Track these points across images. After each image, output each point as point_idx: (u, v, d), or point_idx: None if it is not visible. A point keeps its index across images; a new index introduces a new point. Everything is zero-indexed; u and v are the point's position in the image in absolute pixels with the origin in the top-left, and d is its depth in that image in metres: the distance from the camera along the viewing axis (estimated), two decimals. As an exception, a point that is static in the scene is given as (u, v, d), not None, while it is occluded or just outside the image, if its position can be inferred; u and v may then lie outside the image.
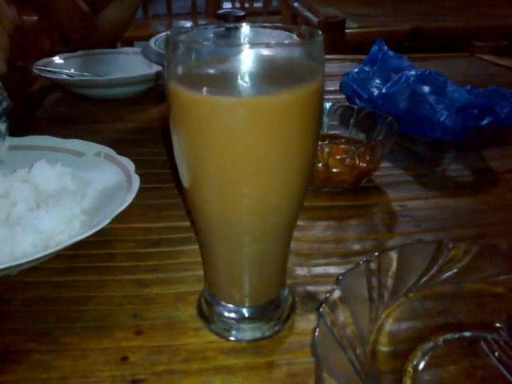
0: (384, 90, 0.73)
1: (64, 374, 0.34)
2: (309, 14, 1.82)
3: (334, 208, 0.54)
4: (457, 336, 0.35)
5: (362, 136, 0.62)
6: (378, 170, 0.58)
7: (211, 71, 0.31)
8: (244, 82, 0.29)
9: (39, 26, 1.89)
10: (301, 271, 0.44)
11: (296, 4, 2.03)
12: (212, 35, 0.38)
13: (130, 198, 0.46)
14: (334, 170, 0.54)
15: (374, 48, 0.85)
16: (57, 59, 0.96)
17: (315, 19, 1.70)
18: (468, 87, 0.70)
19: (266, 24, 0.35)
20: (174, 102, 0.31)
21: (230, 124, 0.30)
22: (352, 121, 0.63)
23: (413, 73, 0.73)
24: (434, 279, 0.37)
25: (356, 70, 0.81)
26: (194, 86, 0.30)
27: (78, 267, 0.45)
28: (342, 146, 0.54)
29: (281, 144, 0.30)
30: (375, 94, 0.74)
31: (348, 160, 0.54)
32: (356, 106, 0.65)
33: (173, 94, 0.31)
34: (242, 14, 0.77)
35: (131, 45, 2.21)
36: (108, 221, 0.43)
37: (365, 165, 0.54)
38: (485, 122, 0.68)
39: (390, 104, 0.71)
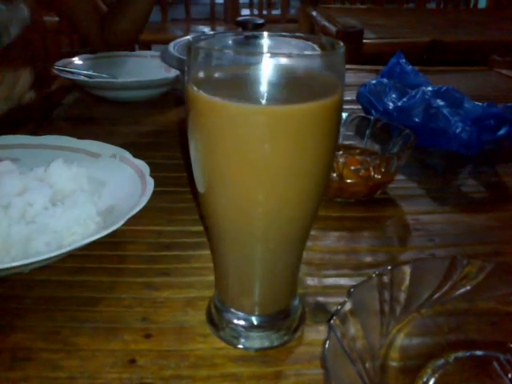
0: (399, 104, 0.73)
1: (72, 374, 0.34)
2: (327, 24, 1.82)
3: (347, 219, 0.54)
4: (468, 354, 0.34)
5: (377, 147, 0.62)
6: (392, 182, 0.57)
7: (231, 78, 0.31)
8: (263, 91, 0.29)
9: (60, 27, 1.91)
10: (311, 281, 0.44)
11: (314, 13, 2.03)
12: (232, 42, 0.38)
13: (143, 201, 0.46)
14: (348, 181, 0.54)
15: (393, 60, 0.85)
16: (76, 60, 0.97)
17: (333, 28, 1.70)
18: (485, 104, 0.70)
19: (285, 33, 0.36)
20: (192, 107, 0.31)
21: (248, 132, 0.30)
22: (368, 132, 0.63)
23: (429, 89, 0.73)
24: (447, 296, 0.37)
25: (374, 81, 0.81)
26: (213, 92, 0.31)
27: (89, 267, 0.45)
28: (358, 157, 0.54)
29: (297, 154, 0.30)
30: (390, 107, 0.74)
31: (363, 171, 0.53)
32: (372, 117, 0.64)
33: (192, 99, 0.31)
34: (261, 21, 0.77)
35: (149, 48, 2.24)
36: (121, 223, 0.43)
37: (379, 176, 0.54)
38: (501, 133, 0.67)
39: (406, 117, 0.71)
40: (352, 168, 0.53)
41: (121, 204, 0.49)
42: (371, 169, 0.53)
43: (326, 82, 0.31)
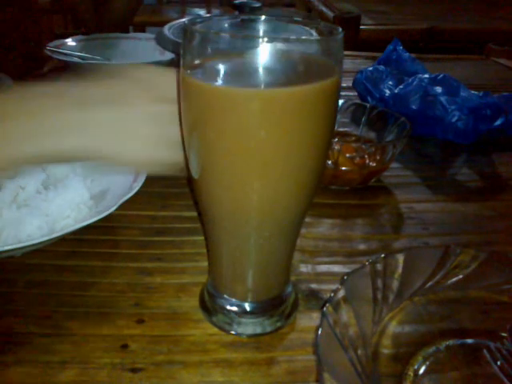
0: (396, 91, 0.73)
1: (64, 358, 0.34)
2: (324, 8, 1.80)
3: (341, 206, 0.54)
4: (459, 342, 0.35)
5: (372, 135, 0.62)
6: (387, 170, 0.57)
7: (227, 62, 0.31)
8: (260, 75, 0.29)
9: (53, 7, 1.88)
10: (305, 268, 0.44)
11: (311, -3, 2.01)
12: (228, 26, 0.38)
13: (136, 186, 0.46)
14: (343, 168, 0.54)
15: (389, 47, 0.85)
16: (69, 41, 0.96)
17: (330, 14, 1.69)
18: (481, 93, 0.69)
19: (282, 17, 0.35)
20: (187, 91, 0.31)
21: (243, 116, 0.29)
22: (364, 119, 0.63)
23: (426, 76, 0.73)
24: (440, 284, 0.37)
25: (370, 68, 0.80)
26: (208, 76, 0.30)
27: (82, 252, 0.45)
28: (353, 145, 0.54)
29: (293, 140, 0.30)
30: (387, 94, 0.74)
31: (358, 159, 0.53)
32: (368, 105, 0.64)
33: (186, 83, 0.31)
34: (257, 4, 0.76)
35: (143, 30, 2.20)
36: (114, 207, 0.43)
37: (375, 164, 0.54)
38: (498, 123, 0.67)
39: (402, 104, 0.71)
40: (347, 155, 0.53)
41: (113, 188, 0.49)
42: (366, 156, 0.53)
43: (323, 66, 0.30)
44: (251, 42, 0.28)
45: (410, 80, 0.73)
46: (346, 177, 0.55)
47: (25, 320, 0.37)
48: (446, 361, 0.34)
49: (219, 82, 0.30)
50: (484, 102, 0.67)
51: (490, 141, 0.70)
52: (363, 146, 0.53)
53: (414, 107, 0.70)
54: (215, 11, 2.58)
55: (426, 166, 0.65)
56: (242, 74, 0.30)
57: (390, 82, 0.77)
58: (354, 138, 0.62)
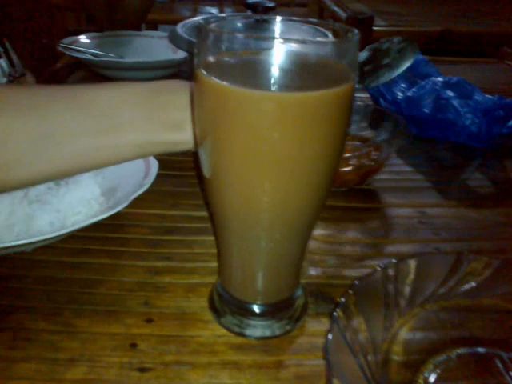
0: (409, 94, 0.72)
1: (72, 356, 0.34)
2: (336, 9, 1.79)
3: (351, 209, 0.54)
4: (471, 351, 0.34)
5: (367, 133, 0.60)
6: (382, 169, 0.56)
7: (242, 63, 0.31)
8: (275, 77, 0.28)
9: (66, 4, 1.89)
10: (314, 271, 0.43)
11: (324, -3, 2.00)
12: (243, 26, 0.37)
13: (147, 183, 0.46)
14: (341, 169, 0.53)
15: (403, 49, 0.84)
16: (83, 38, 0.96)
17: (343, 14, 1.68)
18: (496, 97, 0.69)
19: (296, 18, 0.35)
20: (200, 90, 0.31)
21: (256, 118, 0.29)
22: (358, 117, 0.62)
23: (440, 79, 0.72)
24: (452, 291, 0.36)
25: (383, 69, 0.80)
26: (223, 76, 0.30)
27: (92, 249, 0.45)
28: (349, 144, 0.53)
29: (306, 143, 0.30)
30: (399, 96, 0.73)
31: (355, 160, 0.52)
32: (362, 103, 0.63)
33: (200, 82, 0.30)
34: (271, 4, 0.76)
35: (155, 28, 2.21)
36: (125, 204, 0.43)
37: (372, 163, 0.53)
38: (511, 124, 0.66)
39: (414, 107, 0.70)
40: (345, 156, 0.52)
41: (124, 185, 0.49)
42: (364, 156, 0.52)
43: (338, 69, 0.30)
44: (267, 42, 0.28)
45: (424, 83, 0.73)
46: (344, 178, 0.54)
47: (34, 316, 0.37)
48: (456, 369, 0.33)
49: (234, 82, 0.30)
50: (497, 103, 0.66)
51: (503, 145, 0.69)
52: (359, 146, 0.52)
53: (426, 110, 0.69)
54: (227, 10, 2.58)
55: (438, 170, 0.64)
56: (257, 75, 0.30)
57: (403, 85, 0.76)
58: (348, 137, 0.61)
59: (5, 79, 0.66)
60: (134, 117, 0.39)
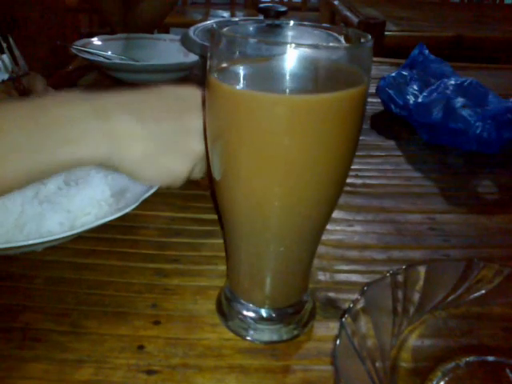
0: (420, 99, 0.71)
1: (80, 357, 0.34)
2: (348, 13, 1.79)
3: (361, 214, 0.53)
4: (480, 359, 0.34)
5: None
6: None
7: (254, 67, 0.31)
8: (287, 81, 0.28)
9: (79, 6, 1.91)
10: (323, 276, 0.43)
11: (336, 2, 2.00)
12: (255, 31, 0.38)
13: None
14: None
15: (415, 51, 0.84)
16: (95, 40, 0.97)
17: (355, 19, 1.68)
18: (510, 100, 0.68)
19: (308, 23, 0.35)
20: (212, 94, 0.31)
21: (268, 121, 0.29)
22: None
23: (452, 82, 0.71)
24: (461, 298, 0.36)
25: (393, 74, 0.79)
26: (235, 80, 0.30)
27: (100, 250, 0.45)
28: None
29: (317, 147, 0.30)
30: (411, 101, 0.73)
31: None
32: None
33: (213, 86, 0.31)
34: (283, 9, 0.76)
35: (167, 31, 2.22)
36: (135, 205, 0.43)
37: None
38: None
39: (425, 114, 0.69)
40: None
41: (134, 187, 0.49)
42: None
43: (351, 74, 0.30)
44: (279, 47, 0.28)
45: (435, 86, 0.72)
46: None
47: (43, 316, 0.37)
48: (465, 378, 0.33)
49: (246, 86, 0.30)
50: (504, 106, 0.65)
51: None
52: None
53: (437, 117, 0.68)
54: (239, 13, 2.59)
55: (449, 177, 0.64)
56: (269, 79, 0.30)
57: (415, 87, 0.75)
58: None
59: (7, 75, 0.66)
60: (20, 139, 0.35)
